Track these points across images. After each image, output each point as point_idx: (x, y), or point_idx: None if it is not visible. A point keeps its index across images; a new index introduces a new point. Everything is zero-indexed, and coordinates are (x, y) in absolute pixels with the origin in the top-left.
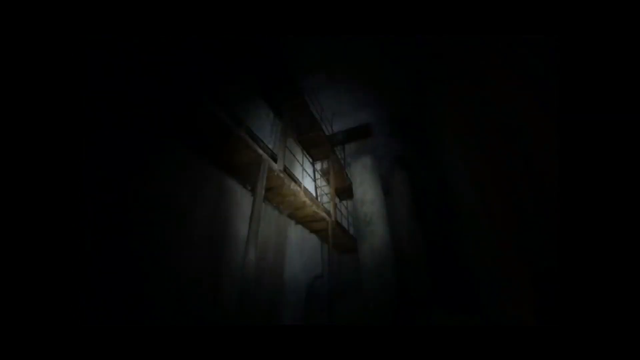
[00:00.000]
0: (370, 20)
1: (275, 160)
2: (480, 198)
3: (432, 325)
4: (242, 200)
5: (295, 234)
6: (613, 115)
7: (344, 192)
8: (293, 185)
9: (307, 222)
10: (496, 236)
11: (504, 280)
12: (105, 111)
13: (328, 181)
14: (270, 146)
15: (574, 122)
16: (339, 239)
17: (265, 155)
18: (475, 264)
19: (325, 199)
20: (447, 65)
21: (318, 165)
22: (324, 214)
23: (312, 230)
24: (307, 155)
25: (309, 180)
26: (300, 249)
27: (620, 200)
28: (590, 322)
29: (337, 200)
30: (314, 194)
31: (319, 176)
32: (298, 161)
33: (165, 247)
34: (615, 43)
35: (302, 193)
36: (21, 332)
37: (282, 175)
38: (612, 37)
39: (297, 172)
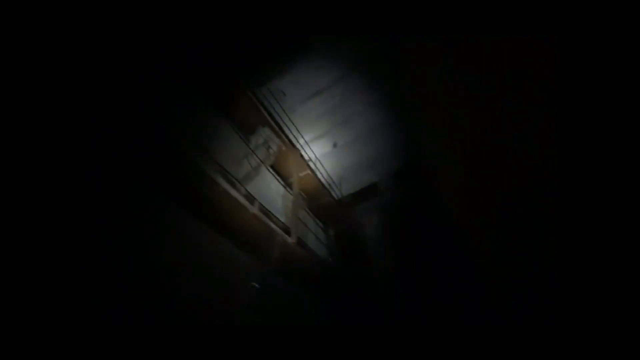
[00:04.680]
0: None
1: (289, 233)
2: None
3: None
4: (252, 269)
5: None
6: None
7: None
8: (306, 256)
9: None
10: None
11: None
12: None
13: (342, 246)
14: (282, 219)
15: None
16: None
17: (278, 230)
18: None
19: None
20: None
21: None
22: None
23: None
24: (319, 222)
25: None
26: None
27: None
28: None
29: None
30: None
31: (332, 242)
32: (310, 230)
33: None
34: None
35: (316, 264)
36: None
37: (295, 247)
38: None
39: (309, 240)
